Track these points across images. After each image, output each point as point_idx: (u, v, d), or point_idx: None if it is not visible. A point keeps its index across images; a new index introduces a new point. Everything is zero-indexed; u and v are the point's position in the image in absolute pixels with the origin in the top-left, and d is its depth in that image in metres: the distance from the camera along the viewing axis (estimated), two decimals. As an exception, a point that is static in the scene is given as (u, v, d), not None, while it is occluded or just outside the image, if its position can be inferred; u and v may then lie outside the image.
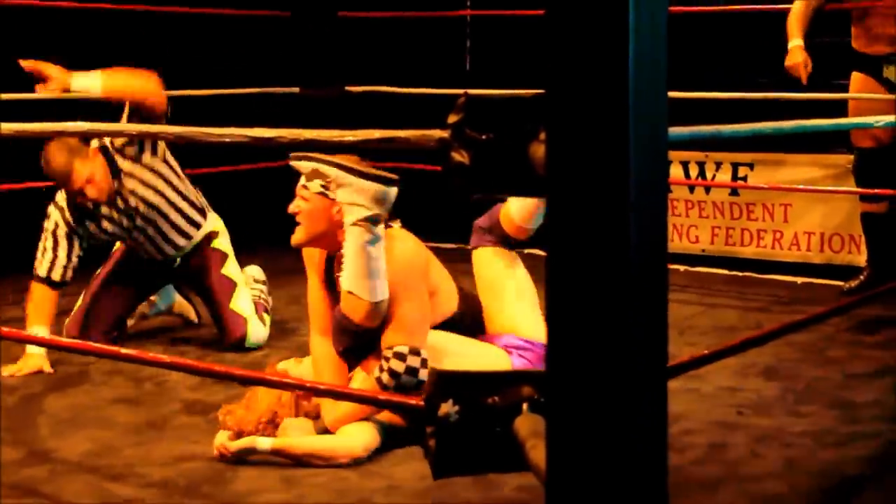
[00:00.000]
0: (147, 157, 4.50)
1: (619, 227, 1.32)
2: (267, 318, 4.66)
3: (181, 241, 4.64)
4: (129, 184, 4.49)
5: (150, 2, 6.45)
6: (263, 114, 5.50)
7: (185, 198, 4.64)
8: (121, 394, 3.96)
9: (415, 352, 3.34)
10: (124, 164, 4.47)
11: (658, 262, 1.39)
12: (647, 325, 1.37)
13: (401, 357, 3.32)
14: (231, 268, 4.67)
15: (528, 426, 1.63)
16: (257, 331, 4.55)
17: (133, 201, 4.50)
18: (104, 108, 4.55)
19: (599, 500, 1.32)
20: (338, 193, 3.39)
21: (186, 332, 4.96)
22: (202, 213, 4.71)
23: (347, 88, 7.29)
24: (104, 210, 4.49)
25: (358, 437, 3.35)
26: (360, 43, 7.50)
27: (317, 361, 3.60)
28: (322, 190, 3.52)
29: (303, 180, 3.56)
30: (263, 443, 3.32)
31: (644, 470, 1.36)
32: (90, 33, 6.43)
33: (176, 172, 4.63)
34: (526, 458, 1.60)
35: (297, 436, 3.38)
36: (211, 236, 4.72)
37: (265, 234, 6.39)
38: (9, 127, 2.39)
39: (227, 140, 1.84)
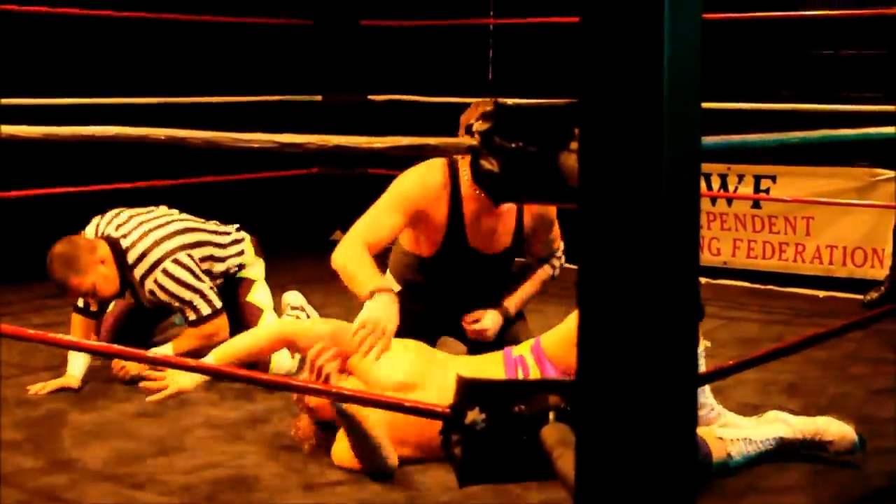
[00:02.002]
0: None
1: (650, 239, 1.31)
2: None
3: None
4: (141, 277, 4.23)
5: (175, 10, 6.47)
6: (286, 122, 5.51)
7: (209, 273, 4.41)
8: (143, 408, 3.96)
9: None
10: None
11: (689, 273, 1.38)
12: (678, 336, 1.36)
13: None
14: (258, 294, 4.54)
15: (555, 435, 1.62)
16: (280, 361, 4.23)
17: (151, 293, 4.26)
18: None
19: (629, 510, 1.32)
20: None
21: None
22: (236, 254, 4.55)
23: (370, 97, 7.30)
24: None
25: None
26: (383, 51, 7.52)
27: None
28: None
29: None
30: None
31: (673, 479, 1.35)
32: (115, 42, 6.46)
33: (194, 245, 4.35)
34: (553, 468, 1.59)
35: None
36: (241, 266, 4.59)
37: (288, 241, 6.41)
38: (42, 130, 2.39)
39: (256, 146, 1.83)
